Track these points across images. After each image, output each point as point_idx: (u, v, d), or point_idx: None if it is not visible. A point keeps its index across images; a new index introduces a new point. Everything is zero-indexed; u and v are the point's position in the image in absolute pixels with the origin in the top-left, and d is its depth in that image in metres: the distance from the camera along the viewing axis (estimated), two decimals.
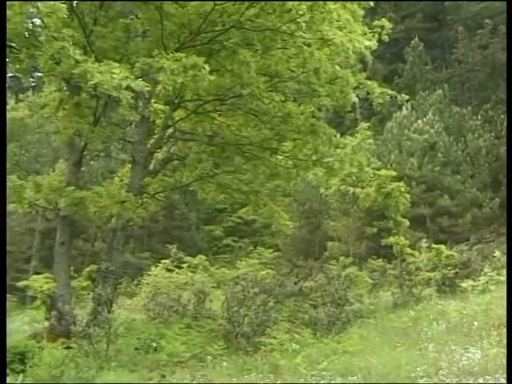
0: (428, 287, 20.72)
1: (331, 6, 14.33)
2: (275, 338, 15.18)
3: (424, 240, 24.26)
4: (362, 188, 20.93)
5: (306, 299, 18.71)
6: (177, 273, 23.28)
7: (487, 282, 7.73)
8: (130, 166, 19.07)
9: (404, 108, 38.85)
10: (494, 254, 8.00)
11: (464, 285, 8.09)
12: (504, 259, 7.69)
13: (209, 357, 14.33)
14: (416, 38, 50.19)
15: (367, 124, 19.70)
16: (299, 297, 19.23)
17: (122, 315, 18.39)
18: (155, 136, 18.40)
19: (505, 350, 8.23)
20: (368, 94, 17.44)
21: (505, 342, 8.21)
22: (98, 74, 11.51)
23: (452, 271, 20.64)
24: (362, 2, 17.51)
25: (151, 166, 18.33)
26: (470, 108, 44.01)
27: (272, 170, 18.50)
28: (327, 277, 19.80)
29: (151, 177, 18.19)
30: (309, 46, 14.71)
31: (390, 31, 17.02)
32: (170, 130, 18.52)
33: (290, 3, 13.78)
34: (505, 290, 13.37)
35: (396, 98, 18.30)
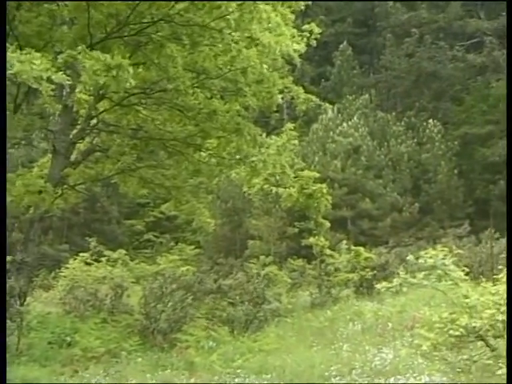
0: (346, 288, 21.06)
1: (261, 6, 14.35)
2: (192, 335, 15.15)
3: (344, 242, 24.63)
4: (285, 188, 21.05)
5: (225, 297, 18.71)
6: (95, 266, 22.88)
7: (400, 285, 7.85)
8: (50, 155, 18.61)
9: (330, 111, 39.30)
10: (408, 258, 8.11)
11: (378, 286, 8.18)
12: (418, 262, 7.84)
13: (123, 352, 14.19)
14: (345, 43, 50.84)
15: (293, 125, 19.81)
16: (218, 294, 19.22)
17: (37, 308, 17.95)
18: (78, 126, 18.02)
19: (416, 351, 8.41)
20: (293, 98, 17.58)
21: (416, 342, 8.36)
22: (18, 63, 11.12)
23: (370, 273, 21.04)
24: (293, 5, 17.63)
25: (73, 157, 17.95)
26: (394, 114, 44.92)
27: (195, 167, 18.38)
28: (247, 275, 19.88)
29: (72, 168, 17.81)
30: (237, 44, 14.68)
31: (319, 35, 17.16)
32: (94, 121, 18.15)
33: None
34: (416, 292, 13.70)
35: (320, 105, 18.54)
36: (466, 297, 7.54)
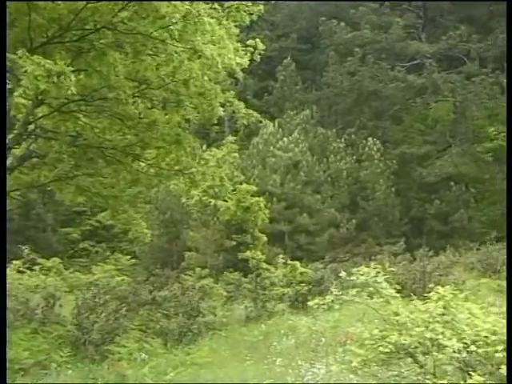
0: (281, 302, 21.11)
1: (205, 18, 14.36)
2: (124, 347, 14.96)
3: (281, 256, 24.70)
4: (224, 201, 21.05)
5: (160, 308, 18.54)
6: (28, 275, 22.44)
7: (332, 301, 7.91)
8: None
9: (271, 125, 39.53)
10: (340, 274, 8.20)
11: (310, 303, 8.23)
12: (350, 279, 7.92)
13: (53, 364, 13.90)
14: (289, 58, 51.31)
15: (234, 138, 19.84)
16: (153, 306, 19.02)
17: None
18: (15, 131, 17.65)
19: (347, 367, 8.49)
20: (234, 112, 17.60)
21: (347, 358, 8.43)
22: None
23: (305, 288, 21.16)
24: (238, 19, 17.66)
25: (8, 162, 17.57)
26: (334, 130, 45.49)
27: (133, 177, 18.19)
28: (182, 287, 19.74)
29: (7, 173, 17.43)
30: (179, 55, 14.64)
31: (263, 52, 17.21)
32: (31, 127, 17.82)
33: (164, 10, 13.68)
34: (350, 308, 13.85)
35: (260, 121, 18.59)
36: (397, 314, 7.65)
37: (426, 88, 49.87)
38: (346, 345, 12.42)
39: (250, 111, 17.50)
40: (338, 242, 37.72)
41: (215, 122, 17.94)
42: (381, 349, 7.43)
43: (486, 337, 7.39)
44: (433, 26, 57.28)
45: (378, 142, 43.56)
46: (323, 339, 14.58)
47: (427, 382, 7.62)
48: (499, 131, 49.72)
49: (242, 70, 16.29)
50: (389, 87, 48.57)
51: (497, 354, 7.16)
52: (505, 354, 7.15)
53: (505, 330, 7.45)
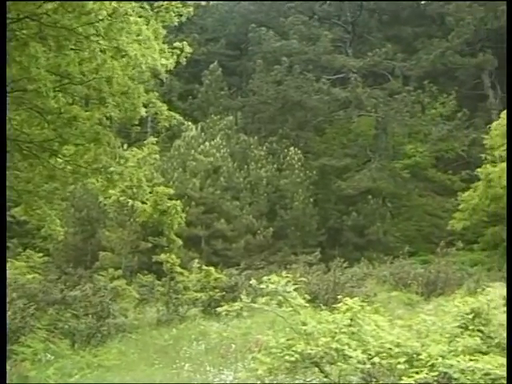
0: (194, 307, 20.99)
1: (132, 18, 14.23)
2: (29, 347, 14.55)
3: (196, 260, 24.61)
4: (142, 202, 20.83)
5: (69, 308, 18.14)
6: None
7: (241, 309, 7.93)
8: None
9: (194, 129, 39.43)
10: (251, 282, 8.23)
11: (219, 309, 8.23)
12: (260, 287, 7.96)
13: None
14: (216, 63, 51.28)
15: (155, 139, 19.73)
16: (62, 305, 18.58)
17: None
18: None
19: (254, 374, 8.50)
20: (156, 113, 17.47)
21: (252, 366, 8.45)
22: None
23: (219, 294, 21.12)
24: (167, 20, 17.55)
25: None
26: (257, 138, 45.65)
27: (49, 172, 17.81)
28: (94, 287, 19.39)
29: None
30: (103, 52, 14.44)
31: (190, 55, 17.14)
32: None
33: (90, 6, 13.48)
34: (262, 316, 13.90)
35: (183, 124, 18.51)
36: (304, 324, 7.71)
37: (350, 102, 50.80)
38: (255, 352, 12.45)
39: (173, 113, 17.42)
40: (254, 249, 37.88)
41: (137, 121, 17.77)
42: (287, 357, 7.47)
43: (389, 349, 7.54)
44: (360, 41, 58.50)
45: (299, 152, 43.99)
46: (233, 346, 14.56)
47: None
48: (417, 149, 51.11)
49: (167, 71, 16.22)
50: (313, 98, 49.19)
51: (399, 366, 7.31)
52: (406, 366, 7.31)
53: (408, 343, 7.63)
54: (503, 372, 7.02)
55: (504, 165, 37.28)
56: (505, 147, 39.03)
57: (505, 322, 8.20)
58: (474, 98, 57.36)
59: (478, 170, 39.51)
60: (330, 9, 59.37)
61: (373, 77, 55.11)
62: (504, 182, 36.45)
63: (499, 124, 40.91)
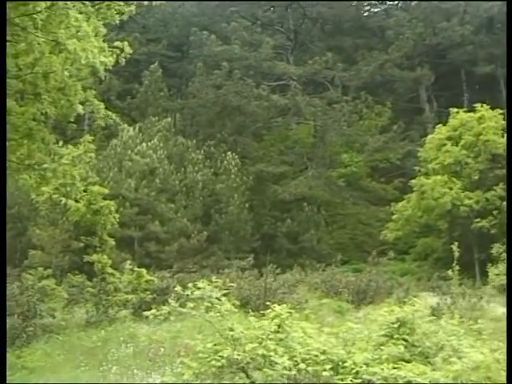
0: (124, 309, 20.75)
1: (71, 12, 13.98)
2: None
3: (128, 262, 24.35)
4: (76, 201, 20.49)
5: None
6: None
7: (169, 313, 7.88)
8: None
9: (131, 129, 39.05)
10: (175, 288, 8.20)
11: (147, 313, 8.15)
12: (189, 292, 7.93)
13: None
14: (156, 63, 50.85)
15: (91, 137, 19.40)
16: None
17: None
18: None
19: (180, 379, 8.45)
20: (93, 112, 17.21)
21: (179, 370, 8.40)
22: None
23: (150, 296, 20.94)
24: (109, 18, 17.32)
25: None
26: (195, 141, 45.43)
27: None
28: (21, 286, 18.98)
29: None
30: (41, 46, 14.14)
31: (130, 55, 16.95)
32: None
33: None
34: (193, 320, 13.85)
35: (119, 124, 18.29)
36: (232, 329, 7.71)
37: (289, 109, 51.11)
38: (183, 356, 12.39)
39: (109, 113, 17.17)
40: (187, 253, 37.67)
41: (74, 119, 17.48)
42: (213, 362, 7.46)
43: (316, 356, 7.60)
44: (302, 50, 58.98)
45: (236, 156, 43.98)
46: (162, 349, 14.46)
47: None
48: (353, 158, 51.81)
49: (106, 69, 15.97)
50: (252, 104, 49.26)
51: (324, 373, 7.38)
52: (332, 373, 7.38)
53: (334, 350, 7.70)
54: (425, 380, 7.17)
55: (436, 177, 38.15)
56: (438, 161, 39.96)
57: (428, 332, 8.36)
58: (411, 111, 58.54)
59: (412, 181, 40.26)
60: (273, 16, 59.75)
61: (313, 85, 55.65)
62: (436, 195, 37.31)
63: (434, 137, 41.82)
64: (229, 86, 49.26)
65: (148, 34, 58.12)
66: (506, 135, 39.52)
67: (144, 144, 39.91)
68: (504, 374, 7.55)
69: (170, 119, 45.06)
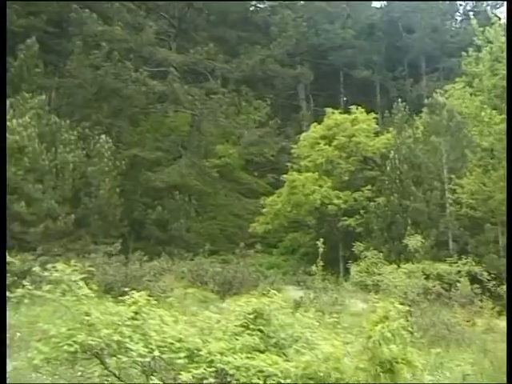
0: None
1: None
2: None
3: None
4: None
5: None
6: None
7: (23, 296, 7.70)
8: None
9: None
10: (34, 269, 8.03)
11: None
12: (45, 275, 7.77)
13: None
14: (34, 38, 48.98)
15: None
16: None
17: None
18: None
19: (30, 364, 8.25)
20: None
21: (30, 355, 8.17)
22: None
23: (10, 279, 20.23)
24: None
25: None
26: (69, 121, 44.14)
27: None
28: None
29: None
30: None
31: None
32: None
33: None
34: (53, 304, 13.56)
35: None
36: (88, 314, 7.61)
37: (167, 96, 50.78)
38: (40, 341, 12.10)
39: None
40: (53, 235, 36.60)
41: None
42: (66, 348, 7.34)
43: (171, 343, 7.63)
44: (185, 38, 58.65)
45: (110, 140, 43.09)
46: (18, 334, 14.01)
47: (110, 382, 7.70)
48: (228, 150, 52.25)
49: None
50: (130, 88, 48.62)
51: (179, 361, 7.44)
52: (186, 361, 7.44)
53: (190, 339, 7.75)
54: (276, 370, 7.37)
55: (308, 174, 39.14)
56: (310, 158, 41.04)
57: (284, 324, 8.58)
58: (288, 108, 59.74)
59: (284, 176, 41.08)
60: (159, 1, 59.06)
61: (194, 74, 55.51)
62: (306, 191, 38.32)
63: (308, 135, 42.91)
64: (107, 67, 48.29)
65: (28, 6, 55.84)
66: (378, 138, 41.24)
67: (14, 120, 38.33)
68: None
69: (44, 97, 43.54)
